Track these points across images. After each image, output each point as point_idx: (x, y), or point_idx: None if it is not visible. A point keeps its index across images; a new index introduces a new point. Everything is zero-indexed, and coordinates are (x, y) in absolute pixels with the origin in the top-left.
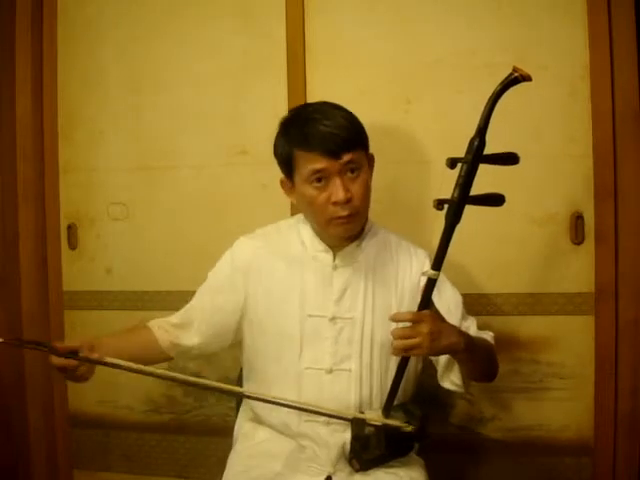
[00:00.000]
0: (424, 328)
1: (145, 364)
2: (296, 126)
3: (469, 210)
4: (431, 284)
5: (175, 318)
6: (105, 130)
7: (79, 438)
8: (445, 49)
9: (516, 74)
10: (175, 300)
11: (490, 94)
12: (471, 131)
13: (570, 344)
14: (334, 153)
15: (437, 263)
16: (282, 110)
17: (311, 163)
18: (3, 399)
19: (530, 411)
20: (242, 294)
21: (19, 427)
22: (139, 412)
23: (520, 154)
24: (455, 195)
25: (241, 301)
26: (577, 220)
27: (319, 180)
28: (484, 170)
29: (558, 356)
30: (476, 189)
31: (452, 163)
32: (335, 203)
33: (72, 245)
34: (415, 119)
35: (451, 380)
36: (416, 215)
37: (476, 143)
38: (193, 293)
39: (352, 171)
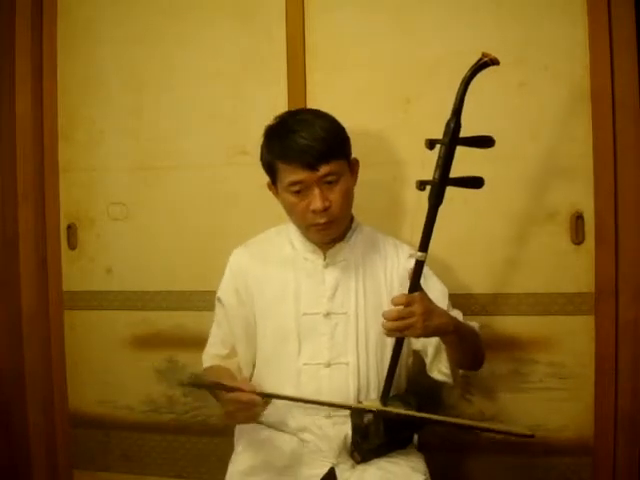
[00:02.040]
0: (417, 309)
1: None
2: (277, 138)
3: (469, 210)
4: (419, 266)
5: (223, 349)
6: (105, 130)
7: (79, 438)
8: (445, 49)
9: (485, 59)
10: (175, 300)
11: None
12: (471, 131)
13: (570, 344)
14: (311, 165)
15: (423, 245)
16: (282, 110)
17: (290, 174)
18: (3, 399)
19: (530, 411)
20: (249, 302)
21: (19, 427)
22: (139, 412)
23: (520, 154)
24: (436, 176)
25: (252, 309)
26: (577, 220)
27: (298, 190)
28: (484, 170)
29: (558, 356)
30: None
31: (431, 144)
32: (314, 211)
33: (72, 245)
34: (415, 119)
35: (439, 369)
36: (415, 215)
37: (452, 125)
38: (193, 293)
39: (329, 182)
